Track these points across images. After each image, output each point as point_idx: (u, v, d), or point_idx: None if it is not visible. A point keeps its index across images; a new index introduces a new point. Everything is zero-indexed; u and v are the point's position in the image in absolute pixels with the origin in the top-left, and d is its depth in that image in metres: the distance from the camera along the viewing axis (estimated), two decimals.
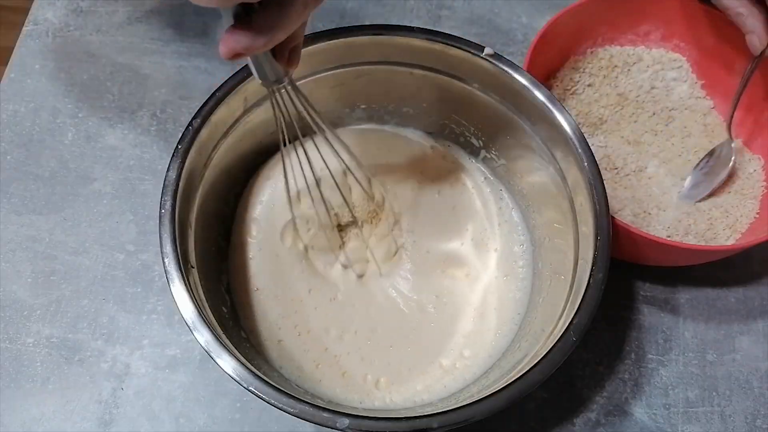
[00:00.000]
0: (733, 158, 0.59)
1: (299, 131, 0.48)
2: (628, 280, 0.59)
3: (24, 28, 0.67)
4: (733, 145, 0.59)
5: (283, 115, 0.45)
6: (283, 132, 0.47)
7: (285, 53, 0.40)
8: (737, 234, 0.56)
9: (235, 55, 0.34)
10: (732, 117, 0.59)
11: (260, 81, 0.41)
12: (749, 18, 0.52)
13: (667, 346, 0.56)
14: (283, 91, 0.43)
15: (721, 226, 0.56)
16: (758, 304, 0.58)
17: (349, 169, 0.53)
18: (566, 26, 0.59)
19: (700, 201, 0.58)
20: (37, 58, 0.66)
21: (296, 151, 0.50)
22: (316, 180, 0.52)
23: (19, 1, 0.80)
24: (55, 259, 0.57)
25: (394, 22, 0.69)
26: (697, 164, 0.59)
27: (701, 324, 0.57)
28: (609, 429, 0.53)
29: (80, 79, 0.65)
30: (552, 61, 0.62)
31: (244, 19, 0.34)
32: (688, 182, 0.59)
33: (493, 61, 0.50)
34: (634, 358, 0.55)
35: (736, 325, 0.57)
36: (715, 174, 0.58)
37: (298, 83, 0.52)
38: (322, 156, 0.51)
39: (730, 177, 0.59)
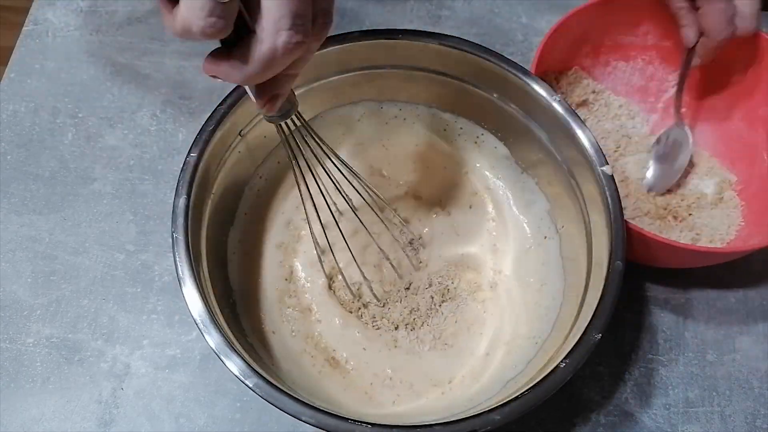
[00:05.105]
0: (691, 142, 0.59)
1: (311, 167, 0.47)
2: (629, 280, 0.58)
3: (24, 28, 0.67)
4: (686, 129, 0.60)
5: (293, 151, 0.44)
6: (297, 166, 0.45)
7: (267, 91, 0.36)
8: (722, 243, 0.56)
9: (214, 77, 0.33)
10: (680, 101, 0.60)
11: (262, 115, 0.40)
12: (688, 13, 0.56)
13: (667, 346, 0.56)
14: (292, 125, 0.42)
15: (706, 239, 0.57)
16: (758, 304, 0.58)
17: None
18: (573, 29, 0.58)
19: (665, 193, 0.59)
20: (37, 58, 0.66)
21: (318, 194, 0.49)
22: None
23: (19, 1, 0.80)
24: (55, 259, 0.57)
25: (393, 22, 0.69)
26: (650, 151, 0.60)
27: (701, 324, 0.57)
28: (609, 429, 0.53)
29: (80, 79, 0.65)
30: (559, 64, 0.62)
31: (229, 46, 0.32)
32: (649, 173, 0.60)
33: (517, 73, 0.50)
34: (634, 358, 0.55)
35: (736, 325, 0.57)
36: (673, 160, 0.59)
37: (301, 89, 0.51)
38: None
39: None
